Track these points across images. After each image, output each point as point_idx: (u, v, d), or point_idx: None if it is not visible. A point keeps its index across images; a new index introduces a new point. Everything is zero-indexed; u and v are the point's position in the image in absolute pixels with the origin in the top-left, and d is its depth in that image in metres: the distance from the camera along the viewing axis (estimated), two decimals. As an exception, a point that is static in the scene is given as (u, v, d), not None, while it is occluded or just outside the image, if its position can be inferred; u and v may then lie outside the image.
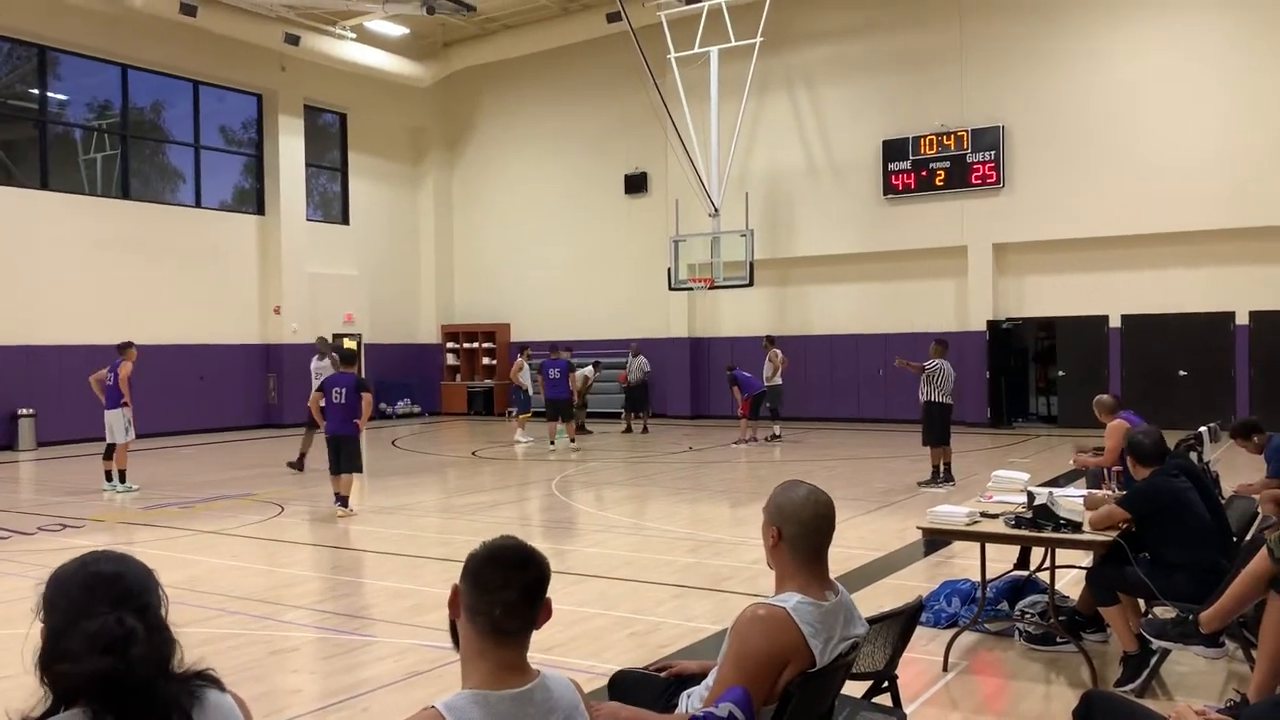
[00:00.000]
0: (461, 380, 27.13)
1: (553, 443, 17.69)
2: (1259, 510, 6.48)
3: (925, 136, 20.79)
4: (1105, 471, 7.89)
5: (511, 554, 2.12)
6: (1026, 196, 19.97)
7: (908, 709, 4.40)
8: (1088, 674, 5.17)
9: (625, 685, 3.23)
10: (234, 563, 8.78)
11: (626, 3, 20.13)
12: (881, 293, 21.80)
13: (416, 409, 26.63)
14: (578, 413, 20.11)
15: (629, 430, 21.00)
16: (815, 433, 20.02)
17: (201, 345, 21.87)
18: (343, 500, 10.83)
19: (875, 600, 6.18)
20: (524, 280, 26.34)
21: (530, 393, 19.44)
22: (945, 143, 20.60)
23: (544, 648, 5.61)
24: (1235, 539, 5.33)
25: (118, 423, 12.84)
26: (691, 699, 2.96)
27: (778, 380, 18.61)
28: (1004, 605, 6.04)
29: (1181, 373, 18.91)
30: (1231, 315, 18.53)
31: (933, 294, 21.24)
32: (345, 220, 25.77)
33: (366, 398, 11.02)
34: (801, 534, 2.82)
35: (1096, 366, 19.50)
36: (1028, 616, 5.78)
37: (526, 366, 19.45)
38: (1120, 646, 5.18)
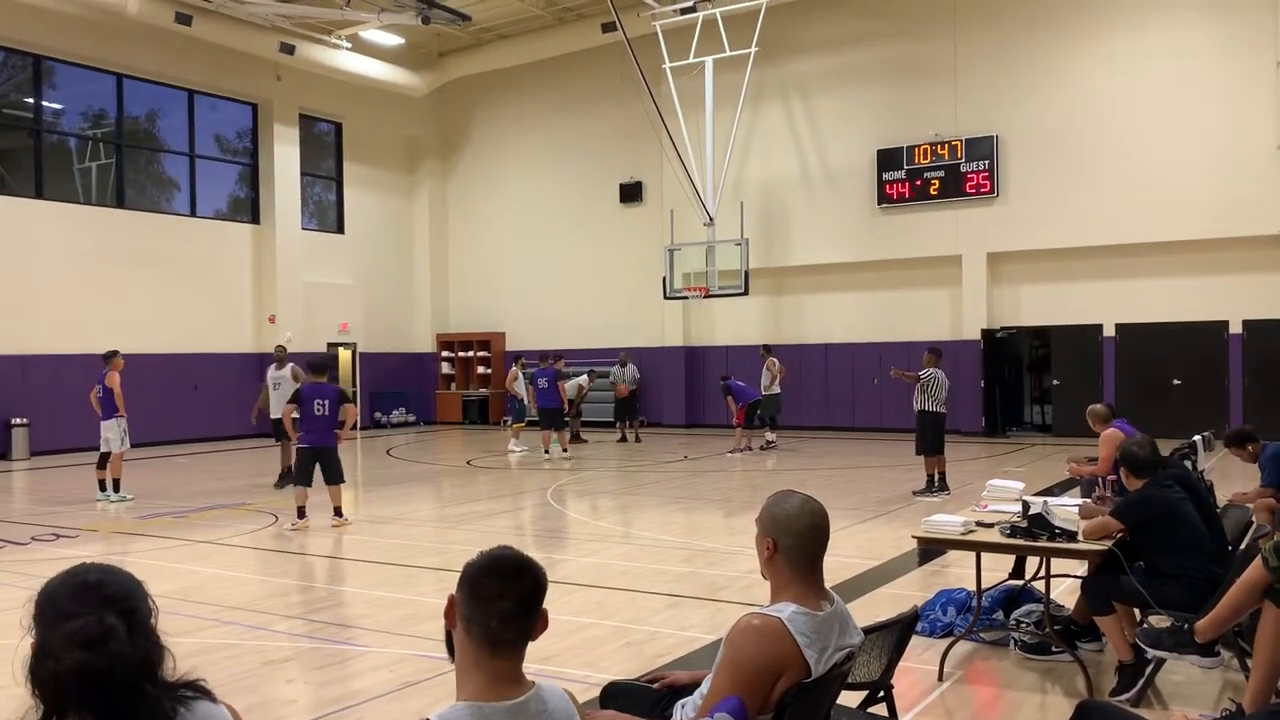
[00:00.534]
0: (456, 389, 27.11)
1: (547, 452, 17.68)
2: (1253, 519, 6.49)
3: (919, 146, 20.86)
4: (1100, 480, 7.89)
5: (509, 564, 2.12)
6: (1020, 206, 20.03)
7: (903, 719, 4.40)
8: (1083, 683, 5.16)
9: (618, 697, 3.22)
10: (228, 572, 8.75)
11: (621, 13, 20.18)
12: (876, 302, 21.83)
13: (411, 418, 26.61)
14: (573, 421, 20.11)
15: (624, 439, 21.01)
16: (810, 442, 20.02)
17: (196, 354, 21.83)
18: (337, 510, 10.79)
19: (871, 610, 6.17)
20: (519, 289, 26.34)
21: (526, 402, 19.43)
22: (939, 152, 20.66)
23: (539, 658, 5.59)
24: (1230, 548, 5.33)
25: (113, 433, 12.81)
26: (685, 709, 2.95)
27: (776, 389, 18.63)
28: (999, 614, 6.03)
29: (1176, 381, 18.95)
30: (1225, 324, 18.58)
31: (927, 303, 21.28)
32: (340, 229, 25.76)
33: (352, 409, 10.94)
34: (797, 545, 2.81)
35: (1091, 375, 19.53)
36: (1023, 626, 5.78)
37: (521, 376, 19.45)
38: (1115, 656, 5.18)
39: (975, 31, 20.38)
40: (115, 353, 13.22)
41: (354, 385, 25.53)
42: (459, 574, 2.14)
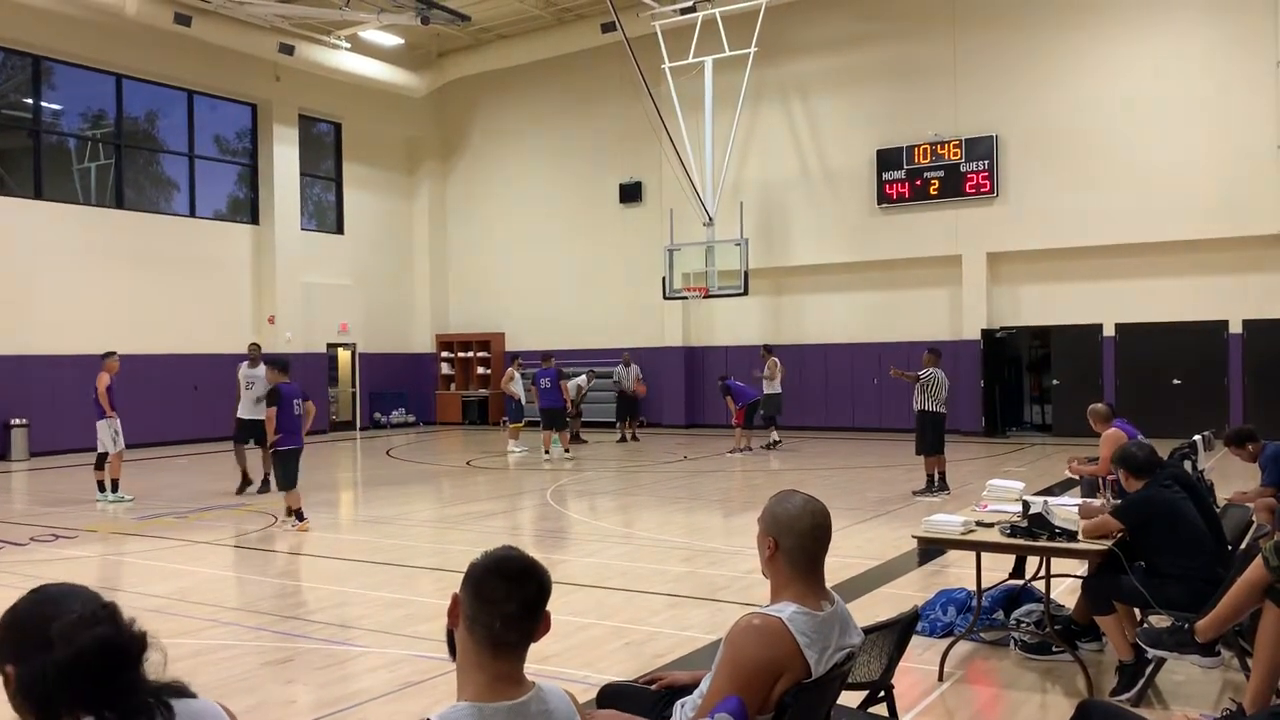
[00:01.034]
0: (456, 390, 27.11)
1: (547, 452, 17.67)
2: (1254, 519, 6.48)
3: (919, 146, 20.85)
4: (1100, 480, 7.89)
5: (514, 566, 2.11)
6: (1020, 206, 20.03)
7: (904, 719, 4.39)
8: (1083, 683, 5.16)
9: (616, 698, 3.21)
10: (227, 573, 8.75)
11: (621, 13, 20.17)
12: (876, 302, 21.83)
13: (411, 418, 26.61)
14: (573, 422, 20.10)
15: (623, 439, 21.03)
16: (810, 442, 20.02)
17: (196, 355, 21.80)
18: (300, 513, 10.61)
19: (871, 610, 6.17)
20: (518, 289, 26.34)
21: (523, 402, 19.40)
22: (939, 152, 20.66)
23: (539, 658, 5.58)
24: (1230, 548, 5.33)
25: (105, 434, 12.83)
26: (685, 709, 2.95)
27: (777, 388, 18.61)
28: (999, 614, 6.03)
29: (1175, 381, 18.95)
30: (1225, 324, 18.58)
31: (927, 303, 21.28)
32: (340, 230, 25.76)
33: (312, 407, 10.81)
34: (798, 545, 2.81)
35: (1091, 375, 19.53)
36: (1023, 625, 5.77)
37: (518, 376, 19.42)
38: (1116, 655, 5.17)
39: (975, 31, 20.38)
40: (109, 354, 13.23)
41: (353, 386, 25.55)
42: (463, 573, 2.13)
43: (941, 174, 20.66)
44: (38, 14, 19.06)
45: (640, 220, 24.35)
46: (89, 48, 20.22)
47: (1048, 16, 19.67)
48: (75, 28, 19.69)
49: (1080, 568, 6.13)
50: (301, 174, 24.27)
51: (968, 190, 20.41)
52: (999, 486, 6.81)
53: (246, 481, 13.50)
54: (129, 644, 1.73)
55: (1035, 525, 5.21)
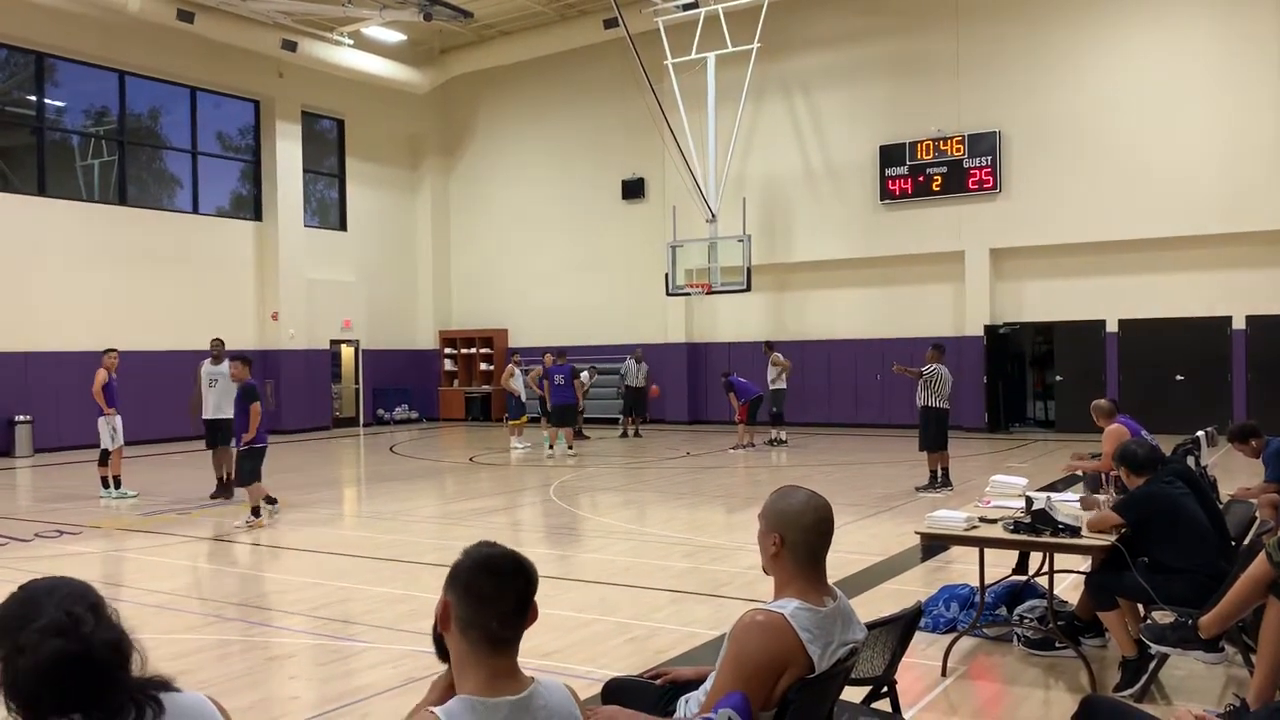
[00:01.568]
0: (459, 386, 27.12)
1: (551, 447, 17.67)
2: (1257, 515, 6.47)
3: (922, 142, 20.82)
4: (1103, 476, 7.88)
5: (502, 562, 2.09)
6: (1023, 201, 20.00)
7: (906, 714, 4.40)
8: (1086, 679, 5.16)
9: (618, 694, 3.21)
10: (230, 569, 8.76)
11: (624, 9, 20.15)
12: (879, 298, 21.81)
13: (414, 415, 26.63)
14: (575, 418, 20.09)
15: (625, 435, 21.03)
16: (813, 438, 20.01)
17: (199, 351, 21.70)
18: (257, 510, 10.57)
19: (874, 605, 6.16)
20: (521, 286, 26.34)
21: (523, 398, 19.39)
22: (942, 148, 20.63)
23: (542, 653, 5.60)
24: (1233, 543, 5.32)
25: (103, 430, 12.87)
26: (689, 704, 2.95)
27: (782, 384, 18.59)
28: (1002, 610, 6.03)
29: (1179, 377, 18.93)
30: (1228, 319, 18.56)
31: (930, 299, 21.26)
32: (343, 226, 25.77)
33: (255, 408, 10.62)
34: (803, 540, 2.81)
35: (1094, 371, 19.51)
36: (1026, 621, 5.77)
37: (518, 373, 19.41)
38: (1119, 651, 5.17)
39: (978, 26, 20.34)
40: (108, 350, 13.25)
41: (356, 382, 25.57)
42: (448, 575, 2.11)
43: (944, 170, 20.63)
44: (41, 11, 19.06)
45: (643, 216, 24.34)
46: (92, 44, 20.23)
47: (1051, 11, 19.63)
48: (78, 25, 19.69)
49: (1083, 564, 6.13)
50: (304, 170, 24.27)
51: (971, 186, 20.38)
52: (1002, 482, 6.81)
53: (223, 485, 12.72)
54: (88, 655, 1.71)
55: (1038, 521, 5.21)
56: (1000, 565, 6.37)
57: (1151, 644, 4.87)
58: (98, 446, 13.14)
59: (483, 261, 27.16)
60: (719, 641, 2.84)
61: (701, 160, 21.39)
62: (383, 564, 8.67)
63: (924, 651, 5.62)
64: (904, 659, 3.57)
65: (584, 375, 20.94)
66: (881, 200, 21.35)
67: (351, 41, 22.93)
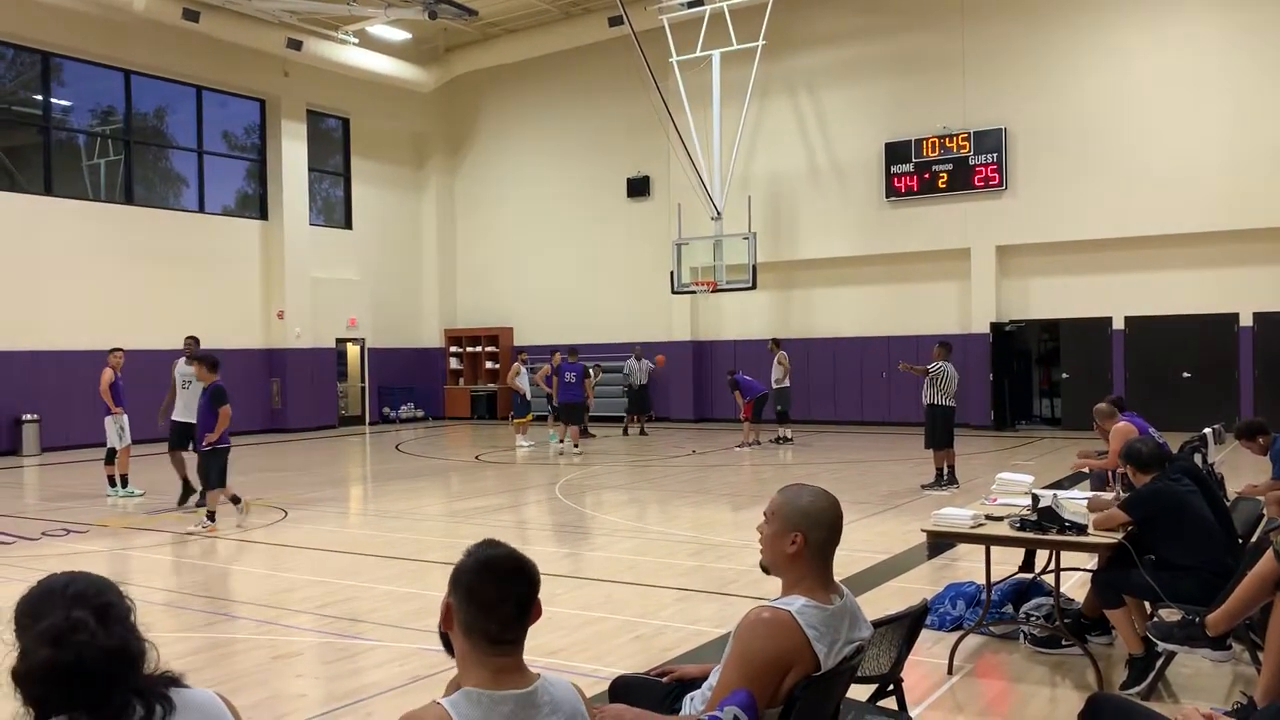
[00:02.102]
0: (464, 384, 27.15)
1: (561, 443, 17.67)
2: (1264, 512, 6.46)
3: (927, 139, 20.79)
4: (1110, 474, 7.87)
5: (503, 565, 2.10)
6: (1029, 198, 19.96)
7: (913, 712, 4.39)
8: (1093, 677, 5.15)
9: (626, 691, 3.21)
10: (237, 567, 8.78)
11: (628, 7, 20.15)
12: (884, 295, 21.79)
13: (419, 413, 26.66)
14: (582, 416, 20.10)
15: (627, 433, 21.04)
16: (818, 435, 20.00)
17: (205, 350, 21.82)
18: (213, 515, 10.41)
19: (880, 603, 6.16)
20: (526, 284, 26.35)
21: (529, 397, 19.40)
22: (947, 145, 20.60)
23: (548, 651, 5.60)
24: (1241, 541, 5.31)
25: (111, 429, 12.90)
26: (695, 702, 2.95)
27: (786, 383, 18.59)
28: (1009, 608, 6.02)
29: (1185, 375, 18.88)
30: (1235, 317, 18.51)
31: (936, 296, 21.23)
32: (348, 225, 25.80)
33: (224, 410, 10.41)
34: (827, 538, 2.82)
35: (1100, 369, 19.47)
36: (1033, 619, 5.76)
37: (524, 371, 19.43)
38: (1126, 649, 5.16)
39: (983, 24, 20.30)
40: (112, 350, 13.28)
41: (362, 381, 25.61)
42: (451, 575, 2.12)
43: (950, 167, 20.60)
44: (47, 11, 19.12)
45: (648, 214, 24.34)
46: (98, 44, 20.27)
47: (1057, 7, 19.59)
48: (84, 24, 19.74)
49: (1090, 561, 6.12)
50: (310, 169, 24.30)
51: (976, 183, 20.34)
52: (1008, 480, 6.80)
53: (189, 490, 12.00)
54: (79, 664, 1.72)
55: (1045, 519, 5.19)
56: (1006, 563, 6.36)
57: (1158, 642, 4.86)
58: (105, 445, 13.17)
59: (488, 260, 27.17)
60: (725, 639, 2.84)
61: (706, 158, 21.39)
62: (389, 562, 8.68)
63: (930, 649, 5.62)
64: (910, 657, 3.56)
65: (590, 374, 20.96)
66: (887, 198, 21.32)
67: (356, 40, 22.95)
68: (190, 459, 11.68)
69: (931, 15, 20.82)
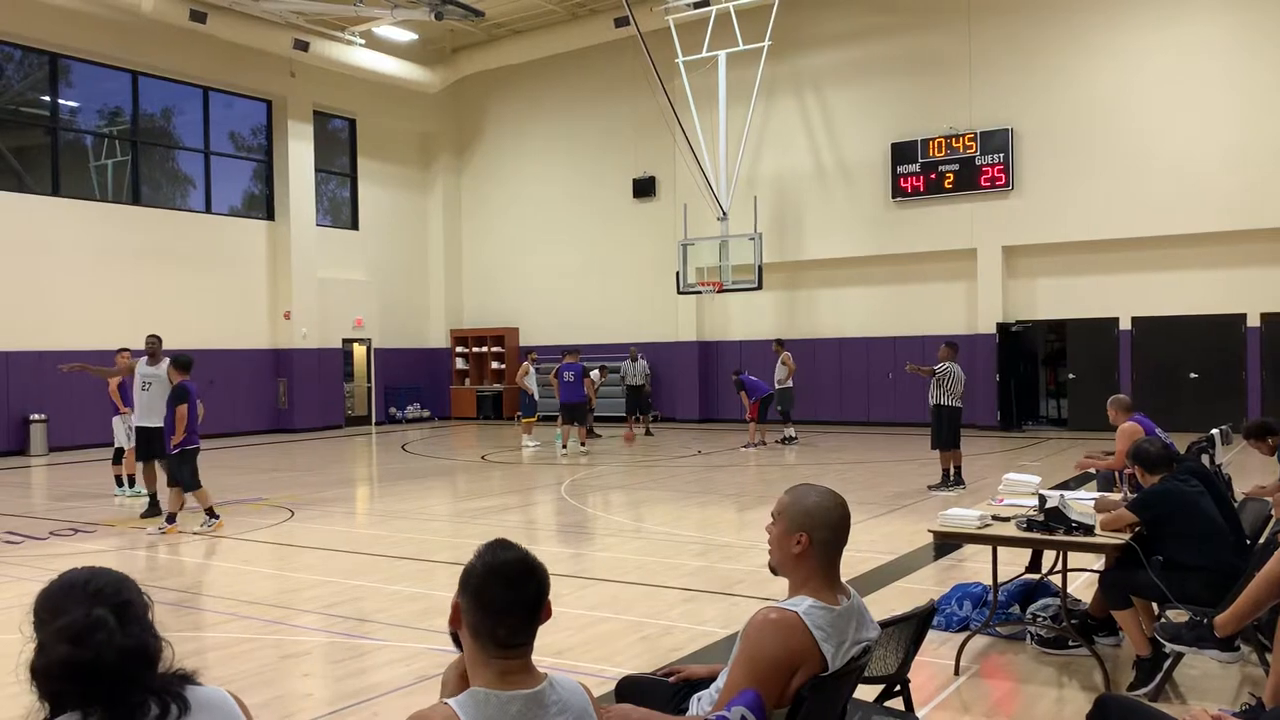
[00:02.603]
0: (471, 384, 27.18)
1: (565, 446, 17.68)
2: (1272, 512, 6.43)
3: (934, 139, 20.76)
4: (1117, 475, 7.85)
5: (512, 569, 2.10)
6: (1036, 199, 19.92)
7: (920, 713, 4.39)
8: (1100, 678, 5.14)
9: (633, 691, 3.22)
10: (245, 567, 8.80)
11: (634, 7, 20.16)
12: (890, 296, 21.77)
13: (426, 413, 26.70)
14: (586, 416, 20.10)
15: (632, 435, 21.04)
16: (825, 436, 19.98)
17: (212, 350, 21.88)
18: (172, 517, 10.29)
19: (887, 604, 6.16)
20: (532, 284, 26.37)
21: (536, 397, 19.41)
22: (954, 145, 20.57)
23: (554, 651, 5.61)
24: (1249, 541, 5.30)
25: (118, 429, 12.93)
26: (701, 702, 2.95)
27: (790, 383, 18.57)
28: (1016, 609, 6.01)
29: (1193, 375, 18.83)
30: (1243, 317, 18.46)
31: (942, 297, 21.20)
32: (355, 225, 25.84)
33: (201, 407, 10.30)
34: (833, 538, 2.81)
35: (1107, 369, 19.43)
36: (1040, 620, 5.75)
37: (533, 371, 19.43)
38: (1133, 650, 5.15)
39: (989, 24, 20.27)
40: (120, 350, 13.32)
41: (368, 381, 25.64)
42: (461, 576, 2.12)
43: (956, 167, 20.57)
44: (55, 12, 19.17)
45: (654, 215, 24.34)
46: (105, 45, 20.33)
47: (1063, 8, 19.55)
48: (92, 25, 19.80)
49: (1097, 562, 6.11)
50: (316, 170, 24.35)
51: (983, 183, 20.31)
52: (1015, 480, 6.79)
53: (156, 509, 11.23)
54: (96, 663, 1.73)
55: (1051, 519, 5.19)
56: (1013, 564, 6.36)
57: (1166, 643, 4.85)
58: (112, 445, 13.20)
59: (494, 260, 27.20)
60: (731, 640, 2.84)
61: (712, 158, 21.39)
62: (396, 562, 8.69)
63: (937, 650, 5.61)
64: (917, 657, 3.56)
65: (594, 374, 20.95)
66: (893, 198, 21.30)
67: (363, 41, 22.99)
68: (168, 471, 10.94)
69: (938, 15, 20.79)
